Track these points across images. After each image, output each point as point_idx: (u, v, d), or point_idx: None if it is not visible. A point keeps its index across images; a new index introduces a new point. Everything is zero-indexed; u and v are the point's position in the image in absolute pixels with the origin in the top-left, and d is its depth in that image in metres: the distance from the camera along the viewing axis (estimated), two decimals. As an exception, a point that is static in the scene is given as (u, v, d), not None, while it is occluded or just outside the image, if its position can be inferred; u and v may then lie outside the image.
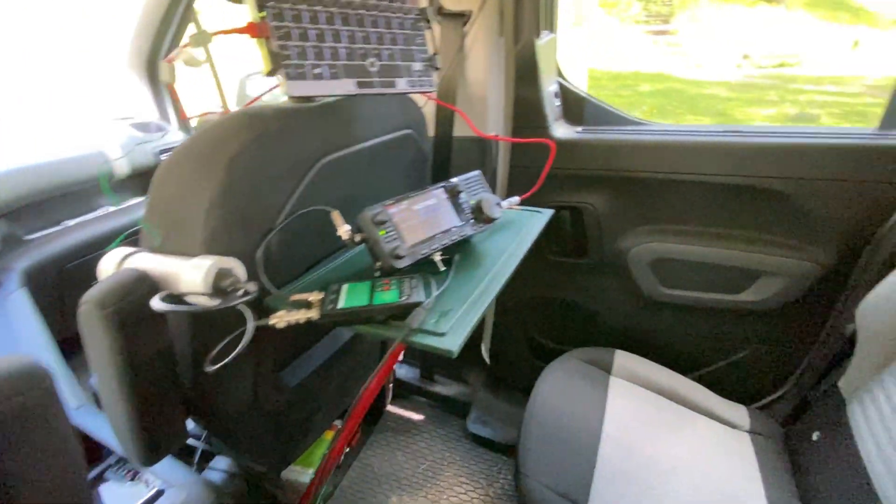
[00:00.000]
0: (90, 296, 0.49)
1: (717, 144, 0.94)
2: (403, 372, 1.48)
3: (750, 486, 0.79)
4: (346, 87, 0.60)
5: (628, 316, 1.16)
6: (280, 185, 0.60)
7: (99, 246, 1.20)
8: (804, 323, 0.98)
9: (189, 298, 0.52)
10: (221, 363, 0.48)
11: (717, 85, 8.15)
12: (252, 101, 0.84)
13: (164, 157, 1.35)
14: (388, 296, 0.55)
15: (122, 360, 0.51)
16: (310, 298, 0.59)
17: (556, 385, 0.95)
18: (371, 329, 0.54)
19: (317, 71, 0.57)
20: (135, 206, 1.33)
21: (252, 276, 0.57)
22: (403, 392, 1.45)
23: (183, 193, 0.55)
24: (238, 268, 0.55)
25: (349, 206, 0.64)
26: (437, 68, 0.69)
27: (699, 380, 1.01)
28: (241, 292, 0.52)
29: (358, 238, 0.62)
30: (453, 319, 0.55)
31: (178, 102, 1.59)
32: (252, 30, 0.54)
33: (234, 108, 1.65)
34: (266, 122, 0.58)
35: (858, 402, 0.76)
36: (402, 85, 0.66)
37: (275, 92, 0.77)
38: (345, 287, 0.58)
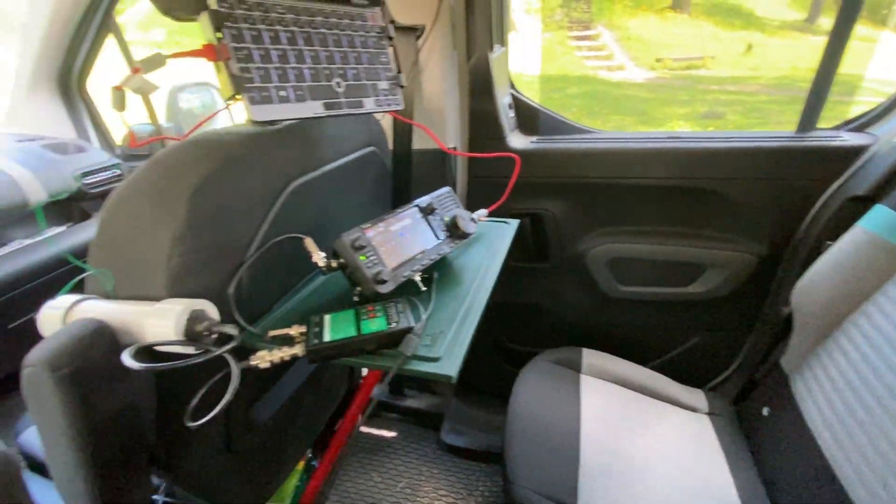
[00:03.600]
0: (38, 357, 0.42)
1: (658, 150, 1.01)
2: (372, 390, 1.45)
3: (715, 467, 0.85)
4: (313, 109, 0.58)
5: (590, 314, 1.21)
6: (249, 214, 0.56)
7: (12, 287, 1.05)
8: (746, 308, 1.08)
9: (160, 348, 0.47)
10: (206, 418, 0.43)
11: (636, 86, 8.79)
12: (202, 123, 0.78)
13: (87, 179, 1.22)
14: (375, 324, 0.53)
15: (81, 426, 0.44)
16: (291, 332, 0.56)
17: (532, 389, 0.97)
18: (362, 361, 0.52)
19: (282, 94, 0.54)
20: (57, 238, 1.19)
21: (223, 314, 0.53)
22: (374, 410, 1.42)
23: (139, 232, 0.50)
24: (210, 309, 0.50)
25: (319, 230, 0.61)
26: (402, 86, 0.68)
27: (658, 368, 1.07)
28: (216, 336, 0.48)
29: (335, 264, 0.59)
30: (446, 342, 0.54)
31: (100, 119, 1.44)
32: (210, 53, 0.49)
33: (164, 122, 1.53)
34: (229, 149, 0.53)
35: (800, 376, 0.85)
36: (369, 105, 0.64)
37: (223, 112, 0.72)
38: (327, 318, 0.56)
